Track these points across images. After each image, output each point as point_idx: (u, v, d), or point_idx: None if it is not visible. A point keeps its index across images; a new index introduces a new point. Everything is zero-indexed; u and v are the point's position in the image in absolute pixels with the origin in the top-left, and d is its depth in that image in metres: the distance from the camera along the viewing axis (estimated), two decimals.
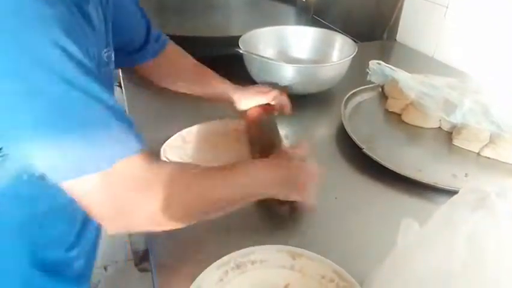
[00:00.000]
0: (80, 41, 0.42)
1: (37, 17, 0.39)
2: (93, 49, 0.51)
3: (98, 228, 0.70)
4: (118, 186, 0.44)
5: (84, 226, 0.65)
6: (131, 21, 0.75)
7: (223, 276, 0.51)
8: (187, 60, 0.85)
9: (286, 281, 0.52)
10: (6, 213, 0.54)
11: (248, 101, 0.81)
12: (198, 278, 0.49)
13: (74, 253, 0.64)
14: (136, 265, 1.54)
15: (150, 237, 0.61)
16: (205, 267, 0.51)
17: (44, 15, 0.39)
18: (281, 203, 0.60)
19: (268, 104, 0.81)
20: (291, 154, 0.63)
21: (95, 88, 0.42)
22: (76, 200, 0.44)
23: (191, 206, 0.50)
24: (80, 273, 0.68)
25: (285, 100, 0.83)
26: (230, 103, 0.82)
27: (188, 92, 0.84)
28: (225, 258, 0.52)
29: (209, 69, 0.85)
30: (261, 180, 0.56)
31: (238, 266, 0.52)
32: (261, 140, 0.74)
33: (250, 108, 0.80)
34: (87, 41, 0.48)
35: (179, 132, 0.80)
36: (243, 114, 0.81)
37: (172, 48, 0.84)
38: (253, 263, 0.52)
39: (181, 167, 0.55)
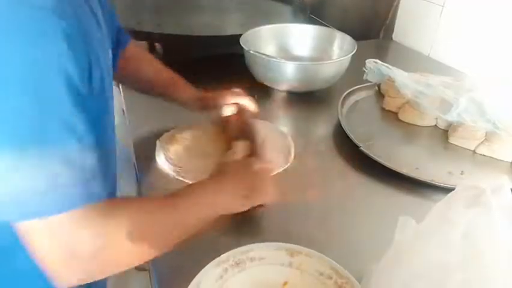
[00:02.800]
0: (86, 54, 0.41)
1: (41, 32, 0.37)
2: (103, 54, 0.49)
3: None
4: (68, 234, 0.41)
5: None
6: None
7: (223, 273, 0.51)
8: (149, 61, 0.82)
9: (285, 278, 0.52)
10: None
11: (218, 101, 0.77)
12: (197, 276, 0.50)
13: None
14: None
15: None
16: (205, 265, 0.51)
17: (54, 30, 0.38)
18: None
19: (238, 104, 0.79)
20: (244, 160, 0.62)
21: (78, 126, 0.40)
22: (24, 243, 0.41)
23: (150, 246, 0.47)
24: None
25: (250, 100, 0.79)
26: (195, 106, 0.79)
27: (150, 95, 0.82)
28: (224, 255, 0.52)
29: (172, 73, 0.81)
30: (218, 204, 0.55)
31: (237, 264, 0.52)
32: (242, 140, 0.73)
33: (227, 111, 0.77)
34: (98, 45, 0.46)
35: (173, 130, 0.81)
36: (219, 117, 0.79)
37: (134, 48, 0.80)
38: (252, 260, 0.53)
39: (134, 215, 0.48)
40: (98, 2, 0.53)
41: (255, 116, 0.78)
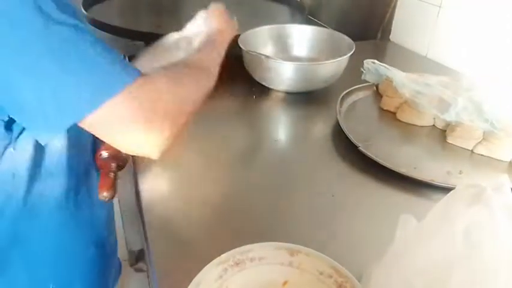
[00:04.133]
0: None
1: None
2: None
3: None
4: (139, 102, 0.45)
5: None
6: None
7: (222, 273, 0.51)
8: None
9: (285, 277, 0.52)
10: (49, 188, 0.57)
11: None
12: (197, 276, 0.50)
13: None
14: (131, 265, 1.54)
15: (147, 236, 0.61)
16: (204, 265, 0.51)
17: None
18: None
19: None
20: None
21: (83, 26, 0.43)
22: (102, 134, 0.45)
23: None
24: (113, 244, 0.75)
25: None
26: None
27: None
28: (224, 255, 0.52)
29: None
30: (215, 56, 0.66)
31: (237, 264, 0.52)
32: None
33: None
34: None
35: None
36: None
37: None
38: (252, 260, 0.53)
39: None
40: None
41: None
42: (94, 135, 0.46)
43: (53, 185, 0.58)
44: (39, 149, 0.54)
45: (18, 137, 0.51)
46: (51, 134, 0.45)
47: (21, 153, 0.52)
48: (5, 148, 0.50)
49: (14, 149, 0.51)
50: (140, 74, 0.46)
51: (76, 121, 0.43)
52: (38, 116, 0.42)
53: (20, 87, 0.40)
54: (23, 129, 0.50)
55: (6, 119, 0.48)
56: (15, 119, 0.47)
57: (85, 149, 0.66)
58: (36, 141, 0.52)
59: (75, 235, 0.64)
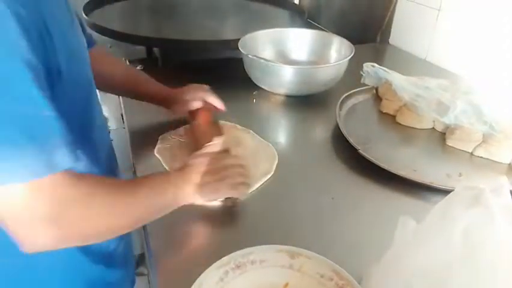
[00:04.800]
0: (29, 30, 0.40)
1: None
2: (71, 32, 0.50)
3: None
4: (40, 200, 0.42)
5: None
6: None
7: (224, 276, 0.51)
8: (115, 62, 0.84)
9: (286, 280, 0.52)
10: None
11: (192, 101, 0.80)
12: (198, 279, 0.50)
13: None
14: None
15: (148, 240, 0.61)
16: (205, 268, 0.51)
17: None
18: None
19: (206, 104, 0.81)
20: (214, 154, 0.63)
21: (32, 90, 0.40)
22: None
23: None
24: (124, 255, 0.69)
25: (215, 97, 0.82)
26: (166, 104, 0.82)
27: (121, 95, 0.85)
28: (225, 258, 0.52)
29: (141, 72, 0.85)
30: (179, 196, 0.56)
31: (238, 266, 0.52)
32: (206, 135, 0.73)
33: (197, 109, 0.80)
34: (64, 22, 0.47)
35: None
36: (190, 114, 0.81)
37: (99, 49, 0.80)
38: (252, 263, 0.53)
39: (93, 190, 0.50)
40: None
41: (221, 112, 0.81)
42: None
43: None
44: None
45: None
46: None
47: None
48: None
49: None
50: (64, 170, 0.43)
51: None
52: None
53: None
54: None
55: None
56: None
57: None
58: None
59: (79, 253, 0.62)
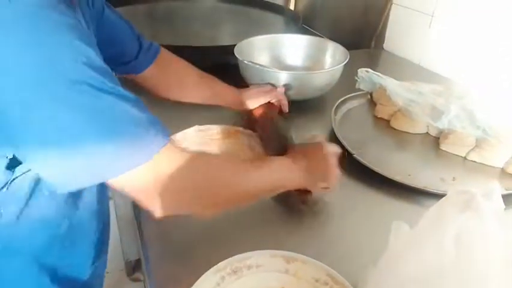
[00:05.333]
0: (92, 43, 0.43)
1: (53, 26, 0.39)
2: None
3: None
4: (164, 172, 0.46)
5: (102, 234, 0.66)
6: (120, 32, 0.76)
7: (220, 281, 0.51)
8: (187, 66, 0.85)
9: (282, 285, 0.52)
10: (28, 236, 0.53)
11: (253, 100, 0.85)
12: (194, 284, 0.50)
13: (95, 265, 0.64)
14: (128, 275, 1.53)
15: (145, 246, 0.61)
16: (201, 274, 0.52)
17: (59, 24, 0.39)
18: (302, 198, 0.67)
19: (270, 103, 0.86)
20: (311, 145, 0.68)
21: (120, 89, 0.43)
22: (128, 191, 0.46)
23: (219, 195, 0.53)
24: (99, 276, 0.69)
25: (284, 99, 0.88)
26: (236, 105, 0.87)
27: (194, 101, 0.85)
28: (221, 263, 0.53)
29: (209, 74, 0.87)
30: (286, 174, 0.60)
31: (234, 272, 0.53)
32: (276, 138, 0.77)
33: (256, 108, 0.85)
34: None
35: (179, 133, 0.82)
36: (250, 114, 0.85)
37: (168, 55, 0.84)
38: (249, 268, 0.53)
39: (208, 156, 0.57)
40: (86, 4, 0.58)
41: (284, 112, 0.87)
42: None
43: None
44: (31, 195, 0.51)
45: (14, 180, 0.49)
46: (70, 188, 0.45)
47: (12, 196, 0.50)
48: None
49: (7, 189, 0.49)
50: (169, 140, 0.47)
51: (97, 182, 0.45)
52: (63, 171, 0.43)
53: (54, 140, 0.41)
54: (24, 173, 0.49)
55: (11, 156, 0.46)
56: (36, 168, 0.46)
57: None
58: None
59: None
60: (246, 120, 0.87)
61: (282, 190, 0.60)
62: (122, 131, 0.43)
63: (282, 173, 0.59)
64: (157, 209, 0.48)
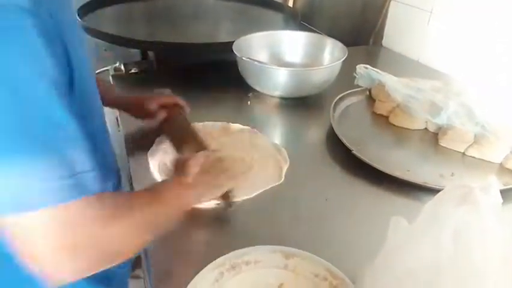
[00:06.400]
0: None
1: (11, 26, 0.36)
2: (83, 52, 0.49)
3: None
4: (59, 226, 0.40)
5: None
6: None
7: (218, 277, 0.52)
8: None
9: (280, 280, 0.53)
10: None
11: (159, 111, 0.80)
12: (193, 280, 0.50)
13: None
14: None
15: None
16: (200, 270, 0.52)
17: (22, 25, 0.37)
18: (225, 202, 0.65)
19: (174, 104, 0.81)
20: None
21: (58, 113, 0.40)
22: (12, 238, 0.40)
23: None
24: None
25: (179, 99, 0.82)
26: (130, 111, 0.83)
27: None
28: (220, 259, 0.53)
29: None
30: (183, 204, 0.56)
31: (233, 267, 0.53)
32: (189, 136, 0.74)
33: (161, 111, 0.80)
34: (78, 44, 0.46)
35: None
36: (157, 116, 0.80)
37: None
38: (247, 263, 0.53)
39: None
40: None
41: (187, 112, 0.81)
42: None
43: None
44: None
45: None
46: None
47: None
48: None
49: None
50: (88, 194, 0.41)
51: None
52: None
53: None
54: None
55: None
56: None
57: None
58: None
59: None
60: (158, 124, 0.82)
61: (180, 216, 0.55)
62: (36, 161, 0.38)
63: (171, 206, 0.54)
64: (50, 275, 0.41)
